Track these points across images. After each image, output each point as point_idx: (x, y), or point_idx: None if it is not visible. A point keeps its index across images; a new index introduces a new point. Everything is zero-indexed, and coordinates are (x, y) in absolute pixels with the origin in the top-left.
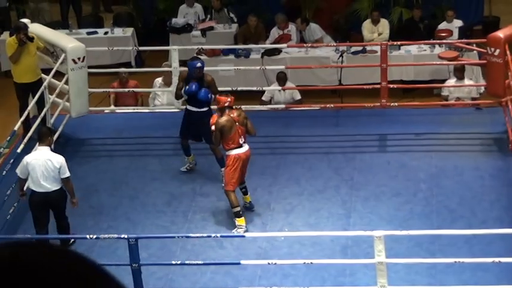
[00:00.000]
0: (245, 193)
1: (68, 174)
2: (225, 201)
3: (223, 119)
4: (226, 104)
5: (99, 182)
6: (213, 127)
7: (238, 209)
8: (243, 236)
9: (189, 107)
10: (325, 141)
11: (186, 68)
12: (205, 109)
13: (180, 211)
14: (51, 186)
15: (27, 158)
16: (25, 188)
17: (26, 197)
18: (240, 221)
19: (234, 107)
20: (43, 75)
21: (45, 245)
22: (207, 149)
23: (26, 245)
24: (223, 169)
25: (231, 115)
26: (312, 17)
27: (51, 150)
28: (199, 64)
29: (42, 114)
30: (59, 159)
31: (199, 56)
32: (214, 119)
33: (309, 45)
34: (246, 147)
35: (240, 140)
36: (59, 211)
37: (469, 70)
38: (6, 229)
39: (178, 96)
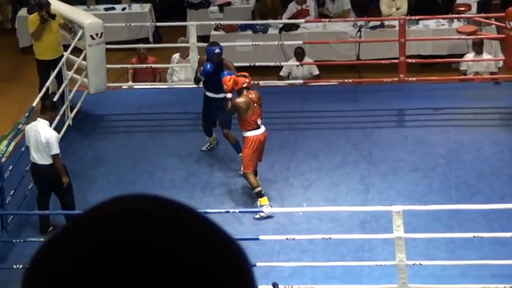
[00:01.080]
0: (255, 175)
1: (54, 151)
2: (243, 177)
3: (241, 99)
4: (244, 85)
5: (117, 158)
6: (229, 104)
7: (259, 189)
8: (261, 212)
9: (207, 93)
10: (343, 116)
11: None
12: (221, 95)
13: (198, 187)
14: (38, 159)
15: (27, 126)
16: None
17: None
18: (263, 201)
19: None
20: (63, 52)
21: (155, 196)
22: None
23: (136, 197)
24: (240, 154)
25: (249, 96)
26: None
27: (49, 125)
28: (217, 50)
29: (60, 91)
30: (47, 135)
31: (217, 42)
32: (225, 81)
33: (327, 20)
34: (263, 128)
35: (258, 120)
36: (54, 187)
37: (487, 44)
38: (25, 204)
39: (196, 80)
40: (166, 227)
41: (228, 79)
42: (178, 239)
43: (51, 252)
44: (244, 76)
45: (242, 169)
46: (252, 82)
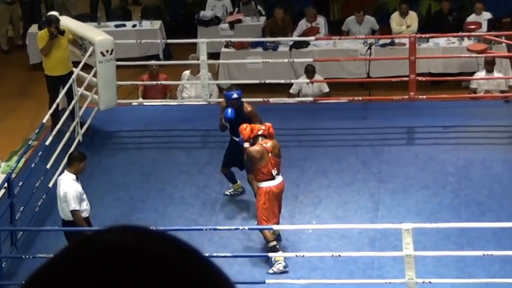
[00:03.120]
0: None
1: (73, 207)
2: (252, 194)
3: (255, 148)
4: (259, 132)
5: (127, 174)
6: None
7: (274, 243)
8: (271, 229)
9: (233, 137)
10: (353, 133)
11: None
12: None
13: (207, 203)
14: (60, 213)
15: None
16: None
17: None
18: (278, 257)
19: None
20: (73, 68)
21: (149, 230)
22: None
23: (129, 230)
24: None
25: (264, 144)
26: (340, 10)
27: (76, 179)
28: (235, 95)
29: (70, 107)
30: (65, 189)
31: (235, 87)
32: (241, 130)
33: (337, 37)
34: (279, 180)
35: (273, 171)
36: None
37: (498, 63)
38: (35, 221)
39: (222, 127)
40: (154, 267)
41: (244, 127)
42: (164, 280)
43: (34, 285)
44: (262, 123)
45: (257, 221)
46: (270, 131)
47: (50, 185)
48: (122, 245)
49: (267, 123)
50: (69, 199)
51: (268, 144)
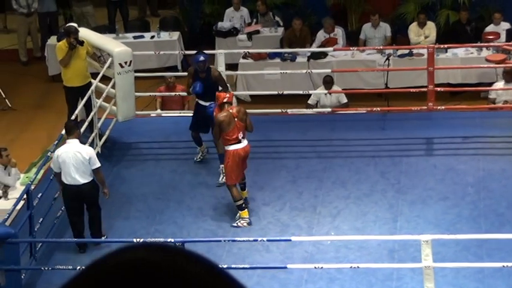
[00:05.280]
0: (243, 189)
1: (98, 164)
2: (271, 205)
3: (222, 114)
4: (225, 100)
5: (145, 185)
6: None
7: (240, 202)
8: (289, 240)
9: (200, 101)
10: (372, 144)
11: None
12: (213, 103)
13: (226, 215)
14: (82, 179)
15: (58, 152)
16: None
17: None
18: (243, 214)
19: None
20: (91, 79)
21: (172, 247)
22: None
23: (152, 248)
24: (222, 166)
25: (230, 110)
26: (358, 20)
27: (80, 142)
28: (201, 58)
29: (89, 118)
30: (88, 151)
31: (203, 51)
32: (216, 112)
33: (355, 48)
34: (244, 143)
35: (238, 135)
36: (91, 202)
37: None
38: (54, 232)
39: (188, 93)
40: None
41: (222, 95)
42: None
43: None
44: (226, 91)
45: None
46: (232, 97)
47: None
48: (147, 262)
49: (231, 92)
50: (94, 158)
51: (234, 110)
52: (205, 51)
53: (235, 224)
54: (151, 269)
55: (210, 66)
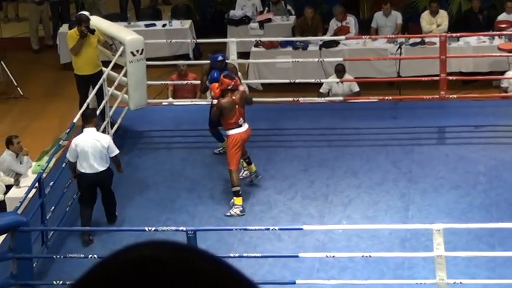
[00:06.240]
0: (249, 163)
1: (116, 151)
2: (283, 194)
3: (225, 100)
4: (229, 87)
5: (157, 174)
6: (214, 101)
7: (238, 188)
8: (301, 229)
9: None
10: (384, 133)
11: (208, 62)
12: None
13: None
14: (100, 166)
15: (76, 141)
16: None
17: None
18: (237, 200)
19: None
20: (102, 67)
21: (180, 244)
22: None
23: (161, 246)
24: (220, 143)
25: (233, 97)
26: (370, 8)
27: (97, 130)
28: (220, 57)
29: (101, 107)
30: (106, 139)
31: (220, 50)
32: (215, 94)
33: (367, 37)
34: (245, 126)
35: (239, 120)
36: (107, 188)
37: None
38: (66, 220)
39: (204, 89)
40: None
41: (216, 86)
42: None
43: None
44: (231, 78)
45: (228, 165)
46: (238, 84)
47: None
48: (156, 260)
49: (236, 79)
50: (112, 146)
51: (236, 96)
52: (217, 39)
53: (229, 213)
54: (160, 266)
55: (226, 62)
